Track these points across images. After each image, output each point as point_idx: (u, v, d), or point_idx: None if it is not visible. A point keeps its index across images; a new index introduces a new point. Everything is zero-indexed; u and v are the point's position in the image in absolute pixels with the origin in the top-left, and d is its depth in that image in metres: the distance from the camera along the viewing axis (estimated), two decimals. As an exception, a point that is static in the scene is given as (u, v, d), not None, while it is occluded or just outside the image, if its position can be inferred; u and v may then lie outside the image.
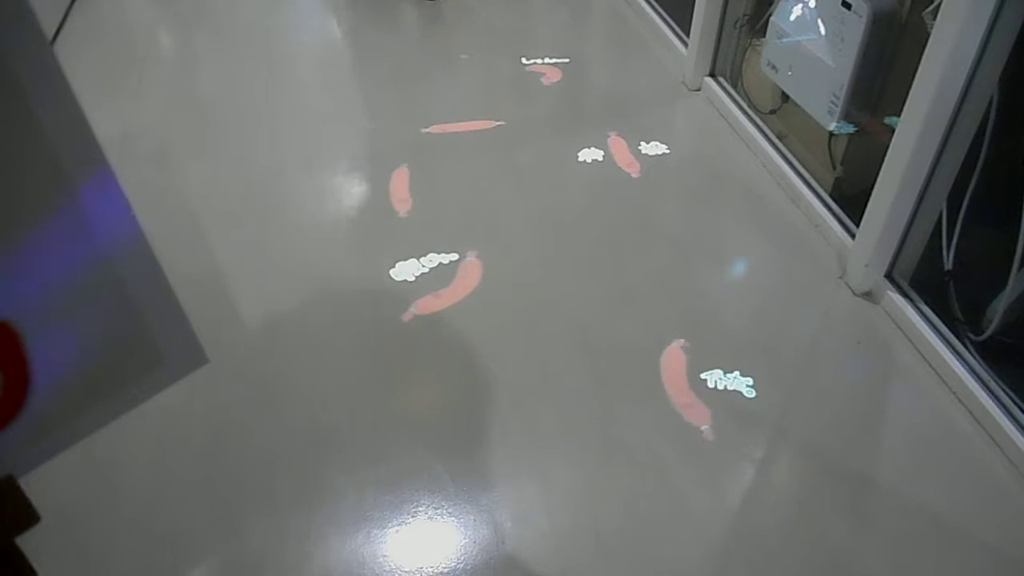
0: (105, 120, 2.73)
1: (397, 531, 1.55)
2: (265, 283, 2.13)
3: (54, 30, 3.24)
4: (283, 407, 1.80)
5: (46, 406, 0.67)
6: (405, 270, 2.15)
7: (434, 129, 2.75)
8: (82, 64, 3.08)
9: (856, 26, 2.07)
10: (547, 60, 3.23)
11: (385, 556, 1.51)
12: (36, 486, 0.72)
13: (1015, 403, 1.72)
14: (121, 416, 0.75)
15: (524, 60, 3.22)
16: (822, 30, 2.24)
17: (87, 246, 0.67)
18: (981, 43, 1.67)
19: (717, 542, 1.55)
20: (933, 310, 1.95)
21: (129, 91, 2.95)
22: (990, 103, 1.76)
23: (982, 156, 1.86)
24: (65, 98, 0.63)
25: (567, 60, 3.26)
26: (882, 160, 1.93)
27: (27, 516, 0.68)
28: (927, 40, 1.74)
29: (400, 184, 2.46)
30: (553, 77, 3.12)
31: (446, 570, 1.49)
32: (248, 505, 1.60)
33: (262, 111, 2.89)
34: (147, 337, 0.73)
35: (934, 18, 1.75)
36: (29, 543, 0.72)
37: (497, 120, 2.81)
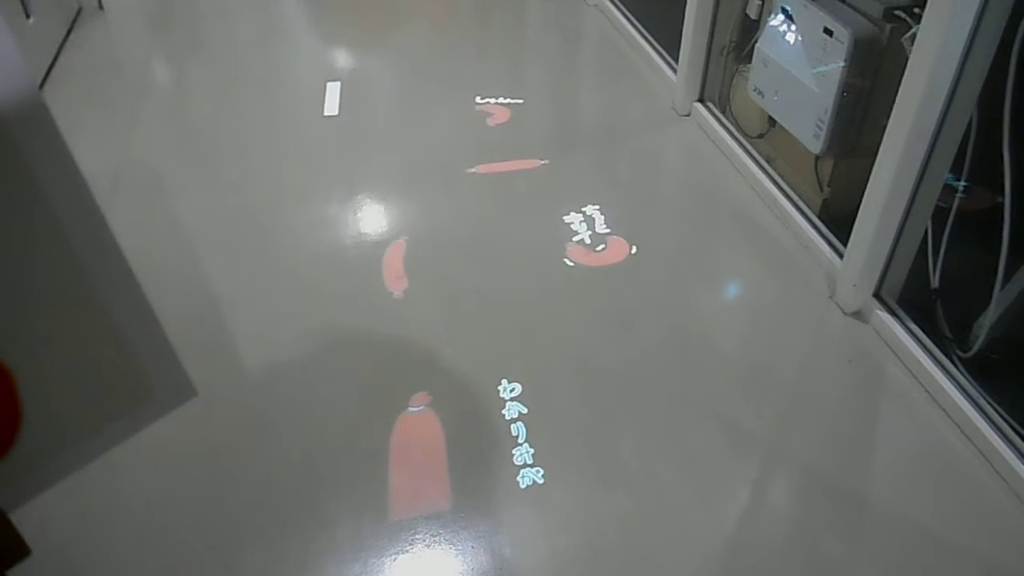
0: (100, 152, 2.77)
1: (395, 559, 1.56)
2: (261, 312, 2.15)
3: (47, 66, 3.28)
4: (280, 436, 1.81)
5: (37, 441, 0.69)
6: (402, 297, 2.18)
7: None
8: (77, 99, 3.11)
9: (838, 51, 2.11)
10: (539, 88, 3.28)
11: (381, 584, 1.52)
12: (29, 520, 0.74)
13: (1003, 418, 1.73)
14: (112, 449, 0.77)
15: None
16: (806, 56, 2.28)
17: (77, 285, 0.69)
18: (958, 66, 1.71)
19: (714, 563, 1.56)
20: (921, 328, 1.97)
21: (124, 123, 2.98)
22: (970, 123, 1.80)
23: (963, 174, 1.89)
24: (56, 144, 0.65)
25: (560, 86, 3.31)
26: (867, 181, 1.96)
27: (18, 549, 0.69)
28: (907, 64, 1.78)
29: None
30: (544, 103, 3.17)
31: (442, 597, 1.50)
32: (245, 535, 1.60)
33: (257, 140, 2.93)
34: (136, 372, 0.75)
35: (912, 43, 1.79)
36: (21, 576, 0.73)
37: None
